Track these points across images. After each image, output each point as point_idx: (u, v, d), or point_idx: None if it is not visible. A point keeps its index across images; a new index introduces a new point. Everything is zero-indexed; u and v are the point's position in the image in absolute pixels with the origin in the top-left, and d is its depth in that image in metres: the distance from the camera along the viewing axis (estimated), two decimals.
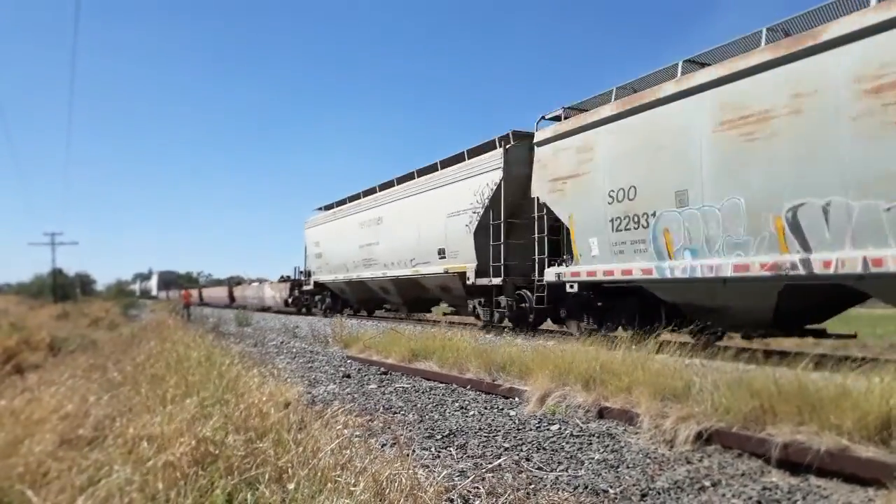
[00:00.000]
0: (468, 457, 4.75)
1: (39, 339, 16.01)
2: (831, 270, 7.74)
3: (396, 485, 3.31)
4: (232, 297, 44.47)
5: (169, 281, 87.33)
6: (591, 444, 4.98)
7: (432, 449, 5.00)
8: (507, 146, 14.49)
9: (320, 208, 28.33)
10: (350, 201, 24.59)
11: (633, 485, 3.99)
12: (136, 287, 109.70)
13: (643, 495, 3.83)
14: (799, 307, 9.09)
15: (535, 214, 13.27)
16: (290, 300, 31.42)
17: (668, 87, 10.00)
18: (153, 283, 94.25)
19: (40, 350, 14.97)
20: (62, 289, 60.96)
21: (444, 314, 20.23)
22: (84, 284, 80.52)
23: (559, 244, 12.98)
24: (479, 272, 14.84)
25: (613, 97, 11.28)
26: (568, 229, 12.24)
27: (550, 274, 12.76)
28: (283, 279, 33.50)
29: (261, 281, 39.91)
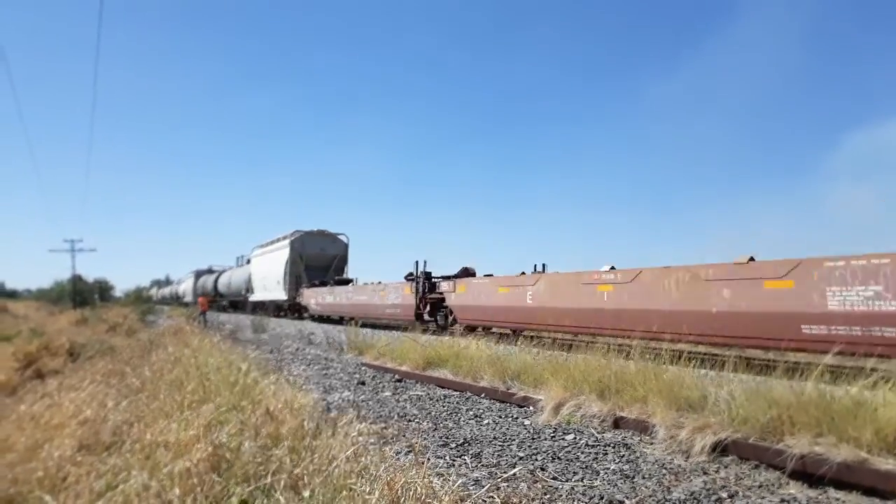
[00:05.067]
0: (483, 465, 4.74)
1: (59, 345, 16.25)
2: None
3: (411, 493, 3.32)
4: (433, 305, 18.56)
5: (318, 266, 31.06)
6: (606, 454, 4.95)
7: (447, 457, 5.00)
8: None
9: None
10: None
11: (650, 496, 3.96)
12: (185, 287, 61.26)
13: None
14: None
15: None
16: None
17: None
18: (281, 265, 31.74)
19: (60, 355, 15.20)
20: (81, 295, 61.65)
21: None
22: (103, 291, 79.70)
23: None
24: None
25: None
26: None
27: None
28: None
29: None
